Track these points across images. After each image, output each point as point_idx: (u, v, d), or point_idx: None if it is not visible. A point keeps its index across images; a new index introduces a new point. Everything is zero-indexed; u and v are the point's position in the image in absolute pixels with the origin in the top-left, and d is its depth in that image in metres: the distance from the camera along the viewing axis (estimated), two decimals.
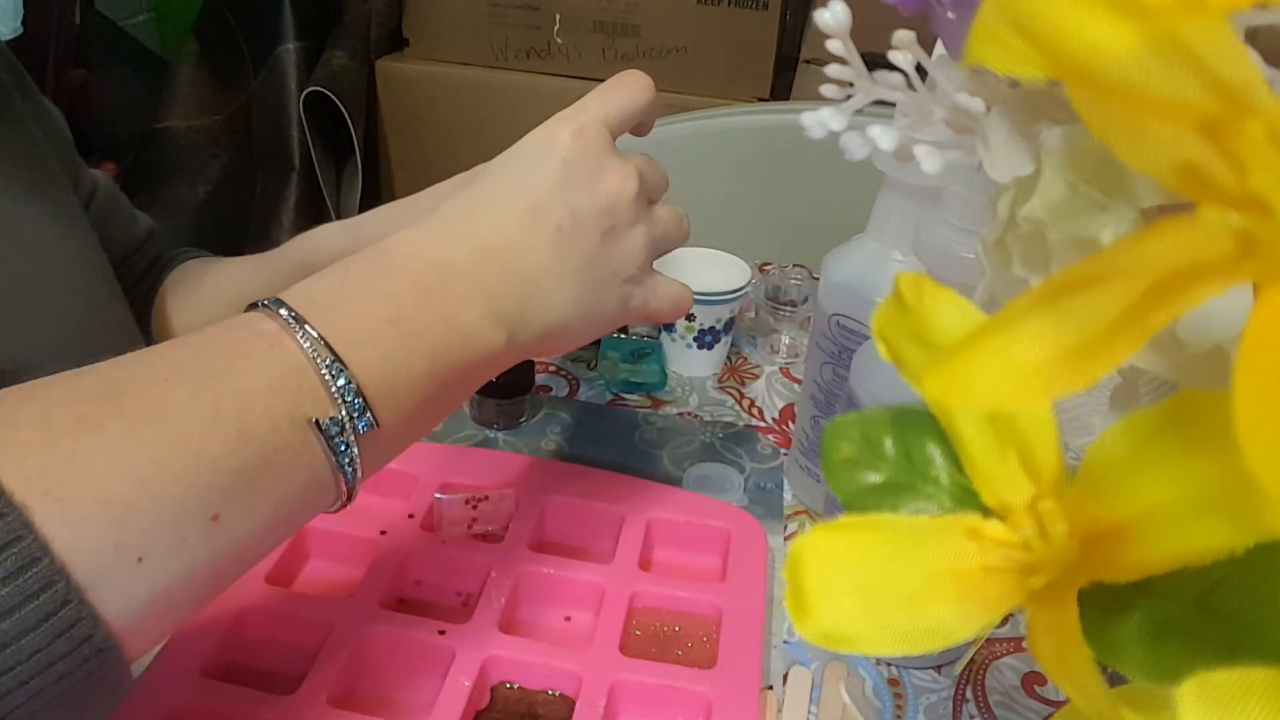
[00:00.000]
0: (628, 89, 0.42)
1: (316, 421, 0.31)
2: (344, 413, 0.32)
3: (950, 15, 0.24)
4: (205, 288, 0.62)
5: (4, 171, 0.49)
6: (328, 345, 0.32)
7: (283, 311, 0.32)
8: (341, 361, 0.32)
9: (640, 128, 0.45)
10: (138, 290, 0.61)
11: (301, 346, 0.31)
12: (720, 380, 0.71)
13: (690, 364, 0.71)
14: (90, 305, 0.52)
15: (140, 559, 0.27)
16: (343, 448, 0.32)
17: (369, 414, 0.32)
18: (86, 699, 0.27)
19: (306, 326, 0.32)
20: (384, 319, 0.34)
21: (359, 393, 0.32)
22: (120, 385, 0.29)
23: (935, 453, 0.23)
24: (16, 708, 0.25)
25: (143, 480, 0.27)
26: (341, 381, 0.31)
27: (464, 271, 0.36)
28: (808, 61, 1.42)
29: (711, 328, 0.69)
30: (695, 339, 0.69)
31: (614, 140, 0.41)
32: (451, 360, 0.35)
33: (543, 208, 0.38)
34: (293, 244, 0.59)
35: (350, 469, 0.32)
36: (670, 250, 0.44)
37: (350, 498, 0.34)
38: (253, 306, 0.33)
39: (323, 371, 0.31)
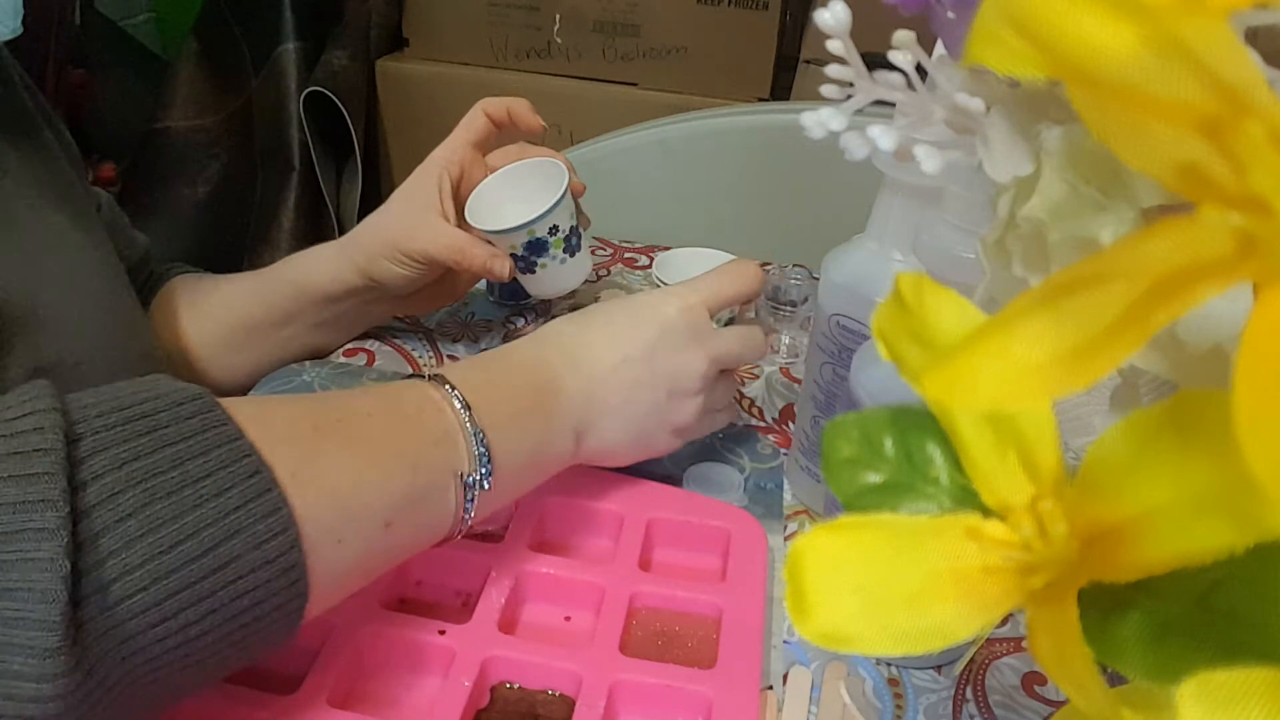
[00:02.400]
0: (737, 282, 0.53)
1: (461, 474, 0.41)
2: (477, 474, 0.41)
3: (950, 15, 0.24)
4: (214, 305, 0.65)
5: (33, 184, 0.51)
6: (476, 422, 0.42)
7: (447, 387, 0.42)
8: (484, 435, 0.42)
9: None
10: None
11: (460, 417, 0.42)
12: None
13: None
14: (115, 310, 0.54)
15: (339, 541, 0.35)
16: (469, 499, 0.41)
17: (489, 479, 0.42)
18: (273, 634, 0.34)
19: (470, 409, 0.42)
20: (512, 413, 0.44)
21: (490, 459, 0.42)
22: (338, 412, 0.39)
23: (935, 453, 0.23)
24: (240, 627, 0.32)
25: (354, 484, 0.36)
26: (481, 450, 0.42)
27: (568, 393, 0.47)
28: (808, 61, 1.41)
29: None
30: None
31: (711, 318, 0.51)
32: (538, 453, 0.46)
33: (631, 359, 0.49)
34: (285, 263, 0.64)
35: (468, 515, 0.42)
36: (722, 413, 0.55)
37: (459, 535, 0.43)
38: (417, 375, 0.44)
39: (470, 438, 0.41)
